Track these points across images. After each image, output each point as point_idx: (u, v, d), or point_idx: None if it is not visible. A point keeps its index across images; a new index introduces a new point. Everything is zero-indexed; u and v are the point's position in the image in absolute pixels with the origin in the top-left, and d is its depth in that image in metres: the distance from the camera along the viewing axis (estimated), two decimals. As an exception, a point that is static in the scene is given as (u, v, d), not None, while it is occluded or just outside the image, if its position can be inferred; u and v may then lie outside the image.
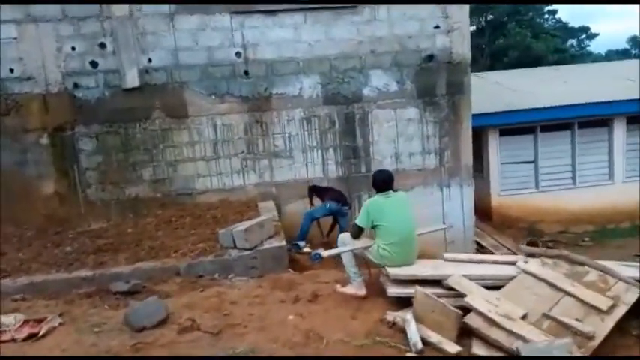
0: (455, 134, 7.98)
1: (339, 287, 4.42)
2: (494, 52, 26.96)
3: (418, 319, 3.61)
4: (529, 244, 6.48)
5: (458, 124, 7.97)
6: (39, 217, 6.87)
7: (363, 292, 4.27)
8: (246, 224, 5.28)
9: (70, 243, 5.95)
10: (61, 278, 4.81)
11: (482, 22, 28.29)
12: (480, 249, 9.03)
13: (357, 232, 4.32)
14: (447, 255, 4.50)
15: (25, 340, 3.61)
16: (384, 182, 4.36)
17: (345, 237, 4.41)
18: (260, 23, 7.26)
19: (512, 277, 3.93)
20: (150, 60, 7.09)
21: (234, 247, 5.16)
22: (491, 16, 27.85)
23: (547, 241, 9.10)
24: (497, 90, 11.49)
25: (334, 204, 6.72)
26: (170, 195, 7.36)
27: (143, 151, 7.27)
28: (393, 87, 7.72)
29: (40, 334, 3.67)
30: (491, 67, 23.57)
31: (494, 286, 3.90)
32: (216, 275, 4.98)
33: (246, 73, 7.31)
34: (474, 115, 8.33)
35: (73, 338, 3.63)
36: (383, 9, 7.47)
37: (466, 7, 7.71)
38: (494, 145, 10.45)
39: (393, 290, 4.01)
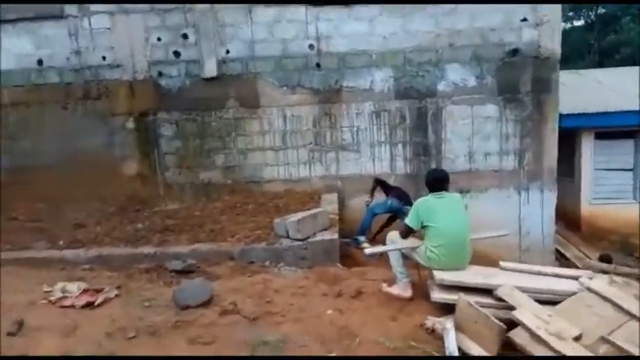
0: (538, 135, 7.41)
1: (384, 286, 4.28)
2: (603, 48, 24.61)
3: (459, 329, 3.40)
4: (601, 259, 5.83)
5: (542, 124, 7.40)
6: (122, 196, 7.40)
7: (408, 293, 4.11)
8: (299, 215, 5.30)
9: (142, 221, 6.37)
10: (127, 253, 5.15)
11: (592, 16, 25.94)
12: (563, 260, 8.32)
13: (406, 232, 4.16)
14: (503, 263, 4.19)
15: (82, 307, 3.90)
16: (437, 181, 4.15)
17: (393, 235, 4.26)
18: (335, 15, 7.22)
19: (573, 294, 3.57)
20: (228, 51, 7.36)
21: (287, 236, 5.21)
22: (603, 10, 25.42)
23: (639, 258, 8.17)
24: (596, 89, 10.48)
25: (396, 201, 6.54)
26: (239, 182, 7.60)
27: (217, 139, 7.57)
28: (471, 82, 7.33)
29: (96, 303, 3.95)
30: (600, 65, 21.54)
31: (551, 301, 3.57)
32: (267, 263, 5.06)
33: (318, 65, 7.32)
34: (567, 115, 7.70)
35: (123, 311, 3.86)
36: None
37: (558, -2, 7.11)
38: (588, 149, 9.53)
39: (437, 295, 3.80)
